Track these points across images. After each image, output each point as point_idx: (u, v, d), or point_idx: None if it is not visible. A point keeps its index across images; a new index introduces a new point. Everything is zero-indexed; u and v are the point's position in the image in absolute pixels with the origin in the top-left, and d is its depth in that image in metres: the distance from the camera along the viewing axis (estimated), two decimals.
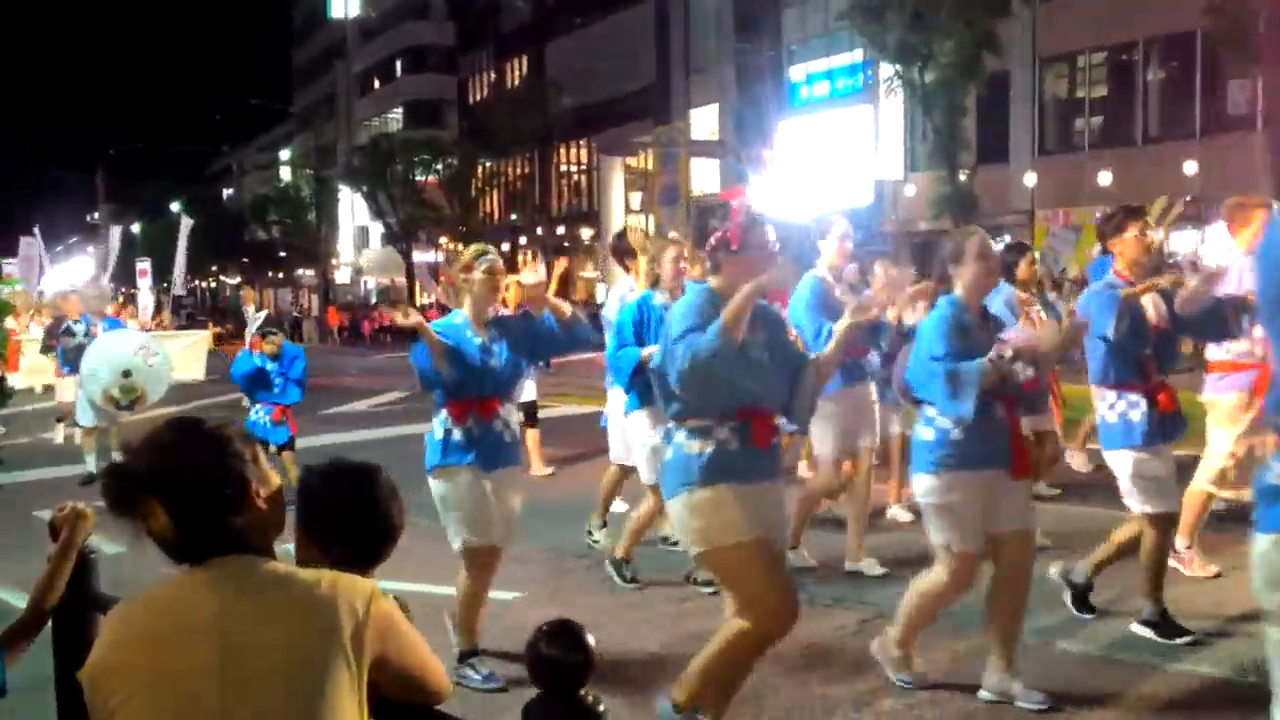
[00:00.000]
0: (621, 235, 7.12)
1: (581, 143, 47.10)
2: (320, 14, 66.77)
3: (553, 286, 5.95)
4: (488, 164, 51.03)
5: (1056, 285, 18.74)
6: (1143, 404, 5.03)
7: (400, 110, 60.52)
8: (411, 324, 4.67)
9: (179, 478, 1.97)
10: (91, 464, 10.19)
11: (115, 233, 30.59)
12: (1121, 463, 5.11)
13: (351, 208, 62.45)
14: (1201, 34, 23.49)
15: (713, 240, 3.92)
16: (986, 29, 25.29)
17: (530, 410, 9.80)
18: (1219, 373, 6.23)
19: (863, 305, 4.04)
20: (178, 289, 28.34)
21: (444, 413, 4.86)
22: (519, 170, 51.33)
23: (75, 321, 12.31)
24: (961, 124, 27.10)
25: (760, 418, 3.85)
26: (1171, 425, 5.12)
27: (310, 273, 64.85)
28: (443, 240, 52.82)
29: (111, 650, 1.94)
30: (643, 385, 5.81)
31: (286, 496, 2.13)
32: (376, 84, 64.26)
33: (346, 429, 13.66)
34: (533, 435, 9.92)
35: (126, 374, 9.74)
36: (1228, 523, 6.44)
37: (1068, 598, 5.47)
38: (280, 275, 67.17)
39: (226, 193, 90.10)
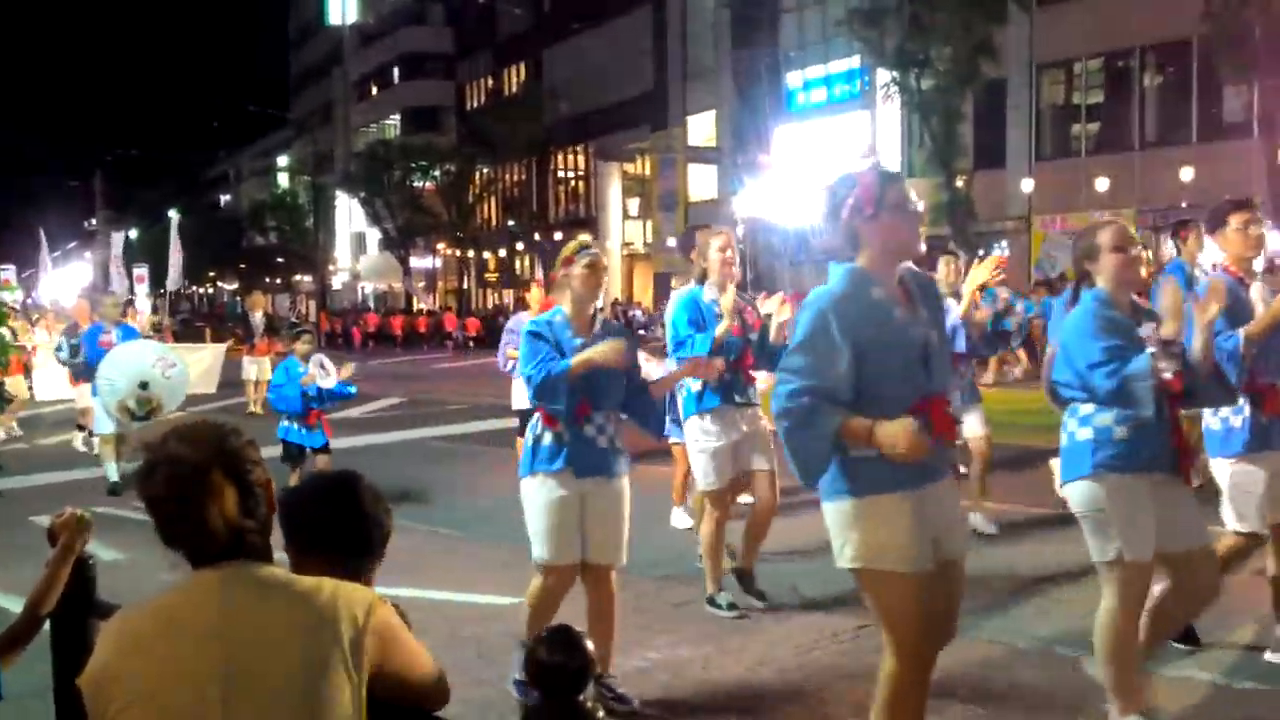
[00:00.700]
0: (689, 234, 6.53)
1: (579, 149, 47.16)
2: (318, 20, 66.81)
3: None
4: (485, 170, 51.11)
5: (1052, 289, 18.76)
6: (1246, 408, 4.57)
7: (398, 116, 60.56)
8: (576, 366, 4.40)
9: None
10: (112, 472, 10.12)
11: (117, 239, 30.45)
12: (1220, 473, 4.68)
13: (349, 214, 62.49)
14: (1198, 41, 23.54)
15: (844, 212, 3.38)
16: (984, 35, 25.37)
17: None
18: None
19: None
20: (172, 285, 28.13)
21: (536, 417, 4.62)
22: (516, 176, 51.37)
23: (91, 328, 12.15)
24: (959, 130, 27.17)
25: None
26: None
27: (308, 279, 64.84)
28: (440, 246, 52.87)
29: (112, 657, 1.94)
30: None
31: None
32: (374, 90, 64.33)
33: (343, 435, 13.62)
34: None
35: (144, 386, 9.65)
36: None
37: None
38: (278, 281, 67.17)
39: (224, 199, 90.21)
